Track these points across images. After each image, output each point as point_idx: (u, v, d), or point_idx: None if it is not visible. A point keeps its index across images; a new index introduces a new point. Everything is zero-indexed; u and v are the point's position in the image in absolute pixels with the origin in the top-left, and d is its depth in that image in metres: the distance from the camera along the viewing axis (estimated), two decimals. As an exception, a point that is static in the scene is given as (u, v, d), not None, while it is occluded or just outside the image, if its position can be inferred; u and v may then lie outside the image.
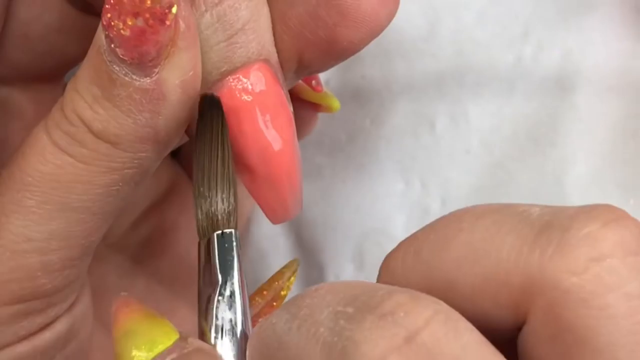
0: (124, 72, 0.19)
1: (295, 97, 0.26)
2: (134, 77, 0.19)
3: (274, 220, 0.22)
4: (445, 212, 0.29)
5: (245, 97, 0.20)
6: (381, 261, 0.30)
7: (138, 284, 0.27)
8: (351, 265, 0.30)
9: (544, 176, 0.29)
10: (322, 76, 0.30)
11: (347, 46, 0.21)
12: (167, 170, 0.28)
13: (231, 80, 0.20)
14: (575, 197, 0.28)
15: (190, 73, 0.19)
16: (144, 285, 0.27)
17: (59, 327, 0.22)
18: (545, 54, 0.29)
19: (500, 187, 0.29)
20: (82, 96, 0.19)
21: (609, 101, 0.29)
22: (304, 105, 0.27)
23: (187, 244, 0.28)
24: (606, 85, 0.29)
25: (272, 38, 0.21)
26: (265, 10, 0.20)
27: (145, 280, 0.27)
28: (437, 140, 0.29)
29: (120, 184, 0.20)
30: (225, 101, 0.20)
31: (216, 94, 0.20)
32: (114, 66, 0.19)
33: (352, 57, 0.30)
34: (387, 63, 0.30)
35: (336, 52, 0.21)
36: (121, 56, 0.19)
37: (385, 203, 0.30)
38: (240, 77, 0.20)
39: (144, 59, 0.18)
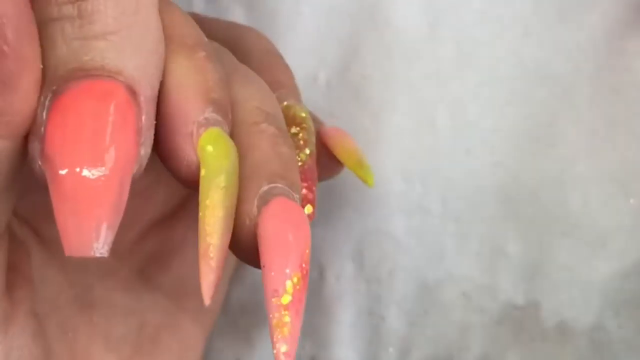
0: None
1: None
2: None
3: (66, 249, 0.19)
4: (445, 212, 0.29)
5: (80, 108, 0.19)
6: (381, 260, 0.30)
7: (144, 298, 0.27)
8: (351, 265, 0.30)
9: (545, 176, 0.29)
10: (323, 76, 0.30)
11: None
12: (178, 187, 0.28)
13: (76, 83, 0.19)
14: (576, 197, 0.29)
15: None
16: (150, 300, 0.27)
17: None
18: (545, 54, 0.29)
19: (500, 187, 0.29)
20: None
21: (609, 101, 0.29)
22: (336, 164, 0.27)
23: (193, 260, 0.28)
24: (606, 85, 0.29)
25: (154, 79, 0.20)
26: (148, 41, 0.19)
27: (151, 295, 0.27)
28: (437, 140, 0.29)
29: None
30: (61, 103, 0.19)
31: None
32: None
33: (352, 57, 0.30)
34: (387, 63, 0.30)
35: None
36: None
37: (385, 203, 0.30)
38: (88, 85, 0.19)
39: None
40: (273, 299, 0.19)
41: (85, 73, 0.19)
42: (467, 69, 0.29)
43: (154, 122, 0.20)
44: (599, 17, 0.29)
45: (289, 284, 0.19)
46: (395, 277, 0.30)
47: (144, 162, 0.20)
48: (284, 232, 0.19)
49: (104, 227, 0.19)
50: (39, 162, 0.19)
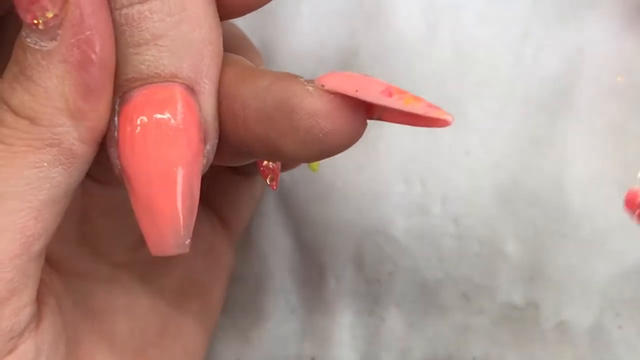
0: (34, 41, 0.19)
1: None
2: (42, 43, 0.19)
3: (151, 250, 0.21)
4: (445, 212, 0.29)
5: (144, 116, 0.20)
6: (381, 261, 0.30)
7: (144, 303, 0.27)
8: (351, 265, 0.30)
9: (544, 176, 0.29)
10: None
11: (292, 157, 0.20)
12: None
13: (138, 92, 0.20)
14: (575, 197, 0.28)
15: (87, 33, 0.19)
16: (149, 305, 0.27)
17: (23, 350, 0.21)
18: (545, 54, 0.29)
19: (500, 187, 0.29)
20: (4, 78, 0.20)
21: (609, 101, 0.29)
22: None
23: (191, 261, 0.28)
24: (606, 85, 0.29)
25: (211, 71, 0.20)
26: (198, 35, 0.20)
27: (151, 299, 0.27)
28: (437, 140, 0.29)
29: (45, 164, 0.19)
30: (126, 112, 0.20)
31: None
32: (27, 39, 0.19)
33: (351, 57, 0.30)
34: (387, 63, 0.30)
35: (280, 157, 0.20)
36: (27, 22, 0.19)
37: (385, 203, 0.30)
38: (148, 93, 0.20)
39: (45, 18, 0.19)
40: (390, 98, 0.19)
41: (143, 82, 0.20)
42: (467, 69, 0.29)
43: (217, 111, 0.21)
44: (598, 17, 0.29)
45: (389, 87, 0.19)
46: (395, 278, 0.30)
47: (212, 155, 0.21)
48: (347, 73, 0.20)
49: (180, 227, 0.20)
50: (119, 166, 0.20)
